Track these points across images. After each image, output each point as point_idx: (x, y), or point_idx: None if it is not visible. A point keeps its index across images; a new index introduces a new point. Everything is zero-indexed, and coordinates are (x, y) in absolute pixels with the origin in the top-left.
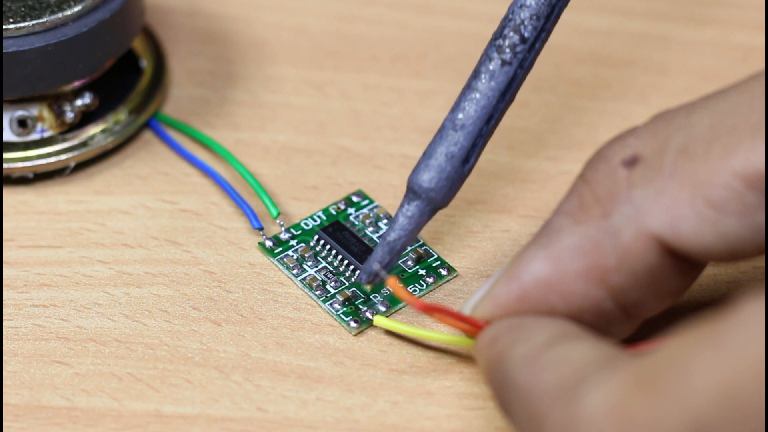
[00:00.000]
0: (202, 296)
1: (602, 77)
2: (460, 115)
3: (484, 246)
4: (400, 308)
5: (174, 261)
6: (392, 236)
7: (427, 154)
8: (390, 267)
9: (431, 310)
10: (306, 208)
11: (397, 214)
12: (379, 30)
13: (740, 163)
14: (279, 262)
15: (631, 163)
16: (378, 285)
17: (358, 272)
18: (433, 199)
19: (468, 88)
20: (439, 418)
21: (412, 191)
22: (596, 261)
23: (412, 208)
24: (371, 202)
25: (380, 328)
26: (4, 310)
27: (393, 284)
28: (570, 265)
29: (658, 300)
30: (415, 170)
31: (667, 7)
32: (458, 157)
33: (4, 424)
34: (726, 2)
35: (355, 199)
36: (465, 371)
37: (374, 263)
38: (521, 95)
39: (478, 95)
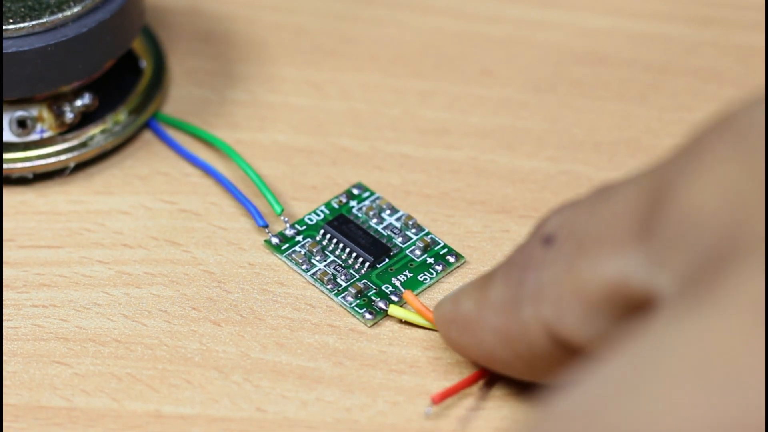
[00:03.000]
0: (201, 296)
1: (602, 77)
2: None
3: (484, 246)
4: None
5: (174, 261)
6: None
7: None
8: None
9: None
10: (306, 207)
11: None
12: (379, 30)
13: (607, 270)
14: (287, 258)
15: (547, 241)
16: (388, 274)
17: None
18: None
19: None
20: (439, 418)
21: None
22: (505, 324)
23: None
24: (372, 194)
25: (394, 319)
26: (4, 310)
27: (409, 298)
28: (488, 318)
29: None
30: None
31: (667, 7)
32: None
33: (4, 424)
34: (726, 2)
35: (356, 191)
36: (465, 371)
37: None
38: (521, 95)
39: None
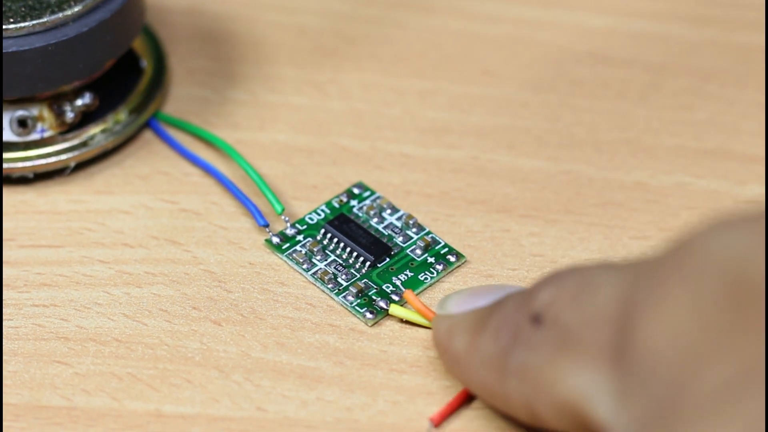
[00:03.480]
0: (202, 296)
1: (602, 77)
2: None
3: (484, 245)
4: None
5: (174, 261)
6: None
7: None
8: None
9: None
10: (306, 207)
11: None
12: (379, 30)
13: (577, 384)
14: (288, 258)
15: (536, 320)
16: (389, 273)
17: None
18: None
19: None
20: None
21: None
22: (490, 382)
23: None
24: (373, 193)
25: (394, 319)
26: (4, 310)
27: (409, 298)
28: (475, 365)
29: None
30: None
31: (667, 7)
32: None
33: (4, 424)
34: (726, 2)
35: (356, 191)
36: None
37: None
38: (521, 95)
39: None
